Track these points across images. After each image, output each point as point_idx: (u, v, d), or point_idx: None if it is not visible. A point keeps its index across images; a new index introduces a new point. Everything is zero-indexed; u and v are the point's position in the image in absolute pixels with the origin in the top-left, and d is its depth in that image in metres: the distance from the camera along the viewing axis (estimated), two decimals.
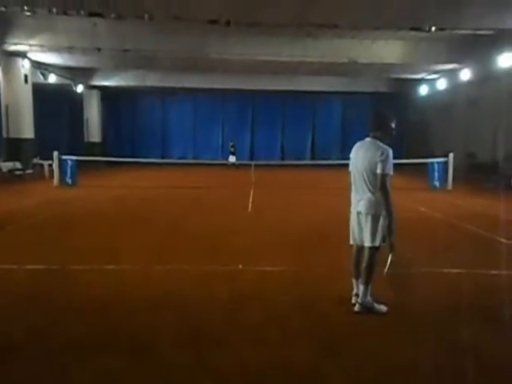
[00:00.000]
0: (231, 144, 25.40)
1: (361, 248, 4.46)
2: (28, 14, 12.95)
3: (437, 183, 15.22)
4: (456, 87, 21.51)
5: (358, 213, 4.36)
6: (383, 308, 4.40)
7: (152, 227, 8.66)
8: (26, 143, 18.38)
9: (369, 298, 4.38)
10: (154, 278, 5.45)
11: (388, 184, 4.17)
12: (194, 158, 27.42)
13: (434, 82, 23.58)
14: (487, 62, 17.24)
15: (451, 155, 15.34)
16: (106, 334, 3.89)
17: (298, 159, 27.09)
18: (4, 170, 16.94)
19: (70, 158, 15.42)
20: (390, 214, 4.15)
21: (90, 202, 12.10)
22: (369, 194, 4.26)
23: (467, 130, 20.92)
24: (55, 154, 15.39)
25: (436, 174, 15.26)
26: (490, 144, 19.22)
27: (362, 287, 4.38)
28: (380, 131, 4.36)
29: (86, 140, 27.01)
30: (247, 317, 4.30)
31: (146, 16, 13.01)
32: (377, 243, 4.27)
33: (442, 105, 23.52)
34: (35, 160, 18.74)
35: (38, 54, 17.90)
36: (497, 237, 7.76)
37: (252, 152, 29.63)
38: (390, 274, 4.25)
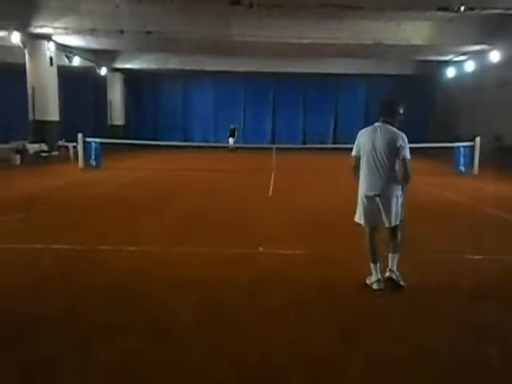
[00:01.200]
0: (232, 127, 24.57)
1: (374, 228, 4.60)
2: None
3: (462, 168, 14.92)
4: (484, 69, 20.88)
5: (377, 195, 4.44)
6: (402, 282, 4.54)
7: (174, 210, 8.75)
8: (51, 125, 18.68)
9: (395, 266, 4.57)
10: (175, 260, 5.51)
11: (409, 166, 4.36)
12: (215, 141, 27.46)
13: (461, 64, 22.95)
14: None
15: (478, 139, 14.99)
16: (127, 315, 3.95)
17: (321, 143, 26.79)
18: (31, 151, 17.29)
19: (94, 141, 15.62)
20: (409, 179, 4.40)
21: (113, 184, 12.27)
22: (391, 178, 4.39)
23: (495, 113, 20.35)
24: (80, 136, 15.60)
25: (462, 158, 14.95)
26: None
27: (391, 256, 4.54)
28: (391, 117, 4.51)
29: (109, 123, 27.29)
30: (267, 300, 4.32)
31: None
32: (401, 218, 4.50)
33: (470, 87, 22.90)
34: (60, 142, 19.07)
35: (63, 36, 18.05)
36: None
37: (273, 135, 29.49)
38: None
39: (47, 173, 14.62)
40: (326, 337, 3.59)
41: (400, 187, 4.44)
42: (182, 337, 3.58)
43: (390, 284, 4.52)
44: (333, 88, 29.36)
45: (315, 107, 29.44)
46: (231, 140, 24.16)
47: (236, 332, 3.68)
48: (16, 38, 16.78)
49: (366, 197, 4.51)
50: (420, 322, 3.93)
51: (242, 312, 4.04)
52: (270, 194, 10.79)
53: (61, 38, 18.45)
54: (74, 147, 17.58)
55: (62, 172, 14.93)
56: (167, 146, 22.16)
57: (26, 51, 18.07)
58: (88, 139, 15.63)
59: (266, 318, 3.95)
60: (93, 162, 15.45)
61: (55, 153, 18.36)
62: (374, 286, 4.52)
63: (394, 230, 4.55)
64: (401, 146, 4.31)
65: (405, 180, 4.39)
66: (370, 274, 4.62)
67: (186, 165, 18.07)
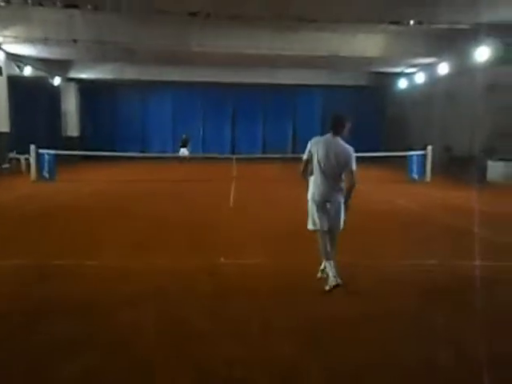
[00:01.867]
0: (184, 137, 24.13)
1: (327, 232, 4.94)
2: (2, 4, 12.65)
3: (415, 176, 15.43)
4: (434, 81, 21.75)
5: (327, 201, 4.87)
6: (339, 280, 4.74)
7: (132, 222, 8.58)
8: (1, 137, 17.95)
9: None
10: (135, 273, 5.40)
11: (355, 176, 4.88)
12: (173, 152, 27.15)
13: (412, 76, 23.82)
14: (464, 56, 17.48)
15: (429, 148, 15.56)
16: (86, 331, 3.84)
17: (280, 152, 27.05)
18: None
19: (47, 152, 15.14)
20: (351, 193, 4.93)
21: (68, 196, 11.92)
22: (338, 186, 4.88)
23: (445, 124, 21.19)
24: (32, 147, 15.09)
25: (415, 166, 15.47)
26: (467, 137, 19.51)
27: (332, 263, 4.80)
28: (340, 130, 4.95)
29: (63, 134, 26.54)
30: (228, 310, 4.30)
31: (124, 7, 12.83)
32: (343, 225, 4.98)
33: (421, 98, 23.78)
34: (11, 154, 18.36)
35: (13, 45, 17.45)
36: (473, 228, 7.90)
37: (233, 145, 29.53)
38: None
39: None
40: (288, 346, 3.60)
41: (344, 195, 4.90)
42: (143, 350, 3.51)
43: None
44: (290, 98, 29.76)
45: (274, 117, 29.75)
46: (183, 150, 23.62)
47: (197, 344, 3.64)
48: None
49: (316, 202, 4.89)
50: (376, 327, 4.01)
51: (203, 323, 4.00)
52: (231, 204, 10.78)
53: (11, 47, 17.83)
54: (26, 159, 16.97)
55: (14, 185, 14.38)
56: (124, 157, 21.76)
57: None
58: (41, 151, 15.14)
59: (227, 328, 3.93)
60: (46, 175, 14.97)
61: (6, 165, 17.66)
62: (333, 282, 4.70)
63: (335, 236, 5.00)
64: (350, 159, 4.79)
65: (351, 188, 4.86)
66: (322, 269, 4.98)
67: (144, 176, 17.80)
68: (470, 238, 7.34)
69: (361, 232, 7.81)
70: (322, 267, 5.00)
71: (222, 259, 5.94)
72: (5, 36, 16.10)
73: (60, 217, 9.05)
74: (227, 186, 13.81)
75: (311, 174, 4.95)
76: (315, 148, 4.87)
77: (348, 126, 4.96)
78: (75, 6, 12.87)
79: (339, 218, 4.91)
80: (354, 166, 4.82)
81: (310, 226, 5.01)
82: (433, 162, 15.73)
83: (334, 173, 4.81)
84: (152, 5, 12.84)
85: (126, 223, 8.43)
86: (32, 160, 15.21)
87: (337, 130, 4.91)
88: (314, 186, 4.91)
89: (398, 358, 3.47)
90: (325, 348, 3.61)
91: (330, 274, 4.75)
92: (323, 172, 4.81)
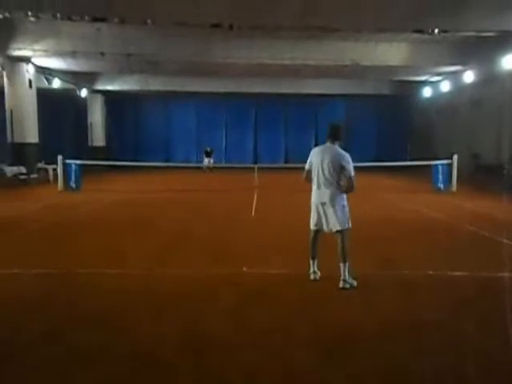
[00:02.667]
0: (208, 149, 25.27)
1: (318, 232, 5.36)
2: (32, 19, 13.04)
3: (441, 185, 15.16)
4: (460, 89, 21.46)
5: (323, 203, 5.20)
6: (354, 282, 5.16)
7: (156, 231, 8.67)
8: (30, 148, 18.46)
9: (347, 273, 5.15)
10: (158, 282, 5.44)
11: (353, 181, 5.15)
12: (197, 162, 27.43)
13: (437, 84, 23.54)
14: (491, 64, 17.20)
15: (455, 157, 15.29)
16: (110, 340, 3.88)
17: (302, 162, 26.90)
18: (9, 174, 17.01)
19: (74, 163, 15.46)
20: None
21: (93, 206, 12.12)
22: (335, 190, 5.15)
23: (471, 132, 20.86)
24: (59, 158, 15.44)
25: (440, 176, 15.20)
26: (494, 145, 19.17)
27: (341, 266, 5.15)
28: (337, 139, 5.34)
29: (89, 144, 27.10)
30: (251, 320, 4.29)
31: (149, 21, 13.08)
32: (345, 226, 5.18)
33: (446, 107, 23.48)
34: (40, 164, 18.81)
35: (42, 58, 17.98)
36: (501, 238, 7.71)
37: (256, 155, 29.63)
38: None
39: (26, 196, 14.39)
40: (311, 357, 3.57)
41: (343, 197, 5.20)
42: (166, 361, 3.52)
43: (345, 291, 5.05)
44: (313, 108, 29.74)
45: (296, 127, 29.75)
46: (207, 160, 24.72)
47: (220, 354, 3.63)
48: None
49: (315, 204, 5.29)
50: (402, 340, 3.94)
51: (227, 333, 4.00)
52: (253, 213, 10.79)
53: (40, 61, 18.38)
54: (54, 169, 17.36)
55: (41, 195, 14.71)
56: (149, 167, 22.07)
57: (4, 74, 17.93)
58: (68, 161, 15.47)
59: (251, 338, 3.92)
60: (73, 185, 15.27)
61: (34, 175, 18.09)
62: (311, 277, 5.35)
63: (339, 237, 5.21)
64: (344, 164, 5.10)
65: (348, 191, 5.18)
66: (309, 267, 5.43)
67: (168, 186, 17.99)
68: (498, 249, 7.18)
69: (386, 242, 7.73)
70: (313, 268, 5.42)
71: (245, 269, 5.94)
72: (35, 50, 16.60)
73: (85, 227, 9.20)
74: (249, 195, 13.83)
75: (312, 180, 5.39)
76: (314, 157, 5.34)
77: (342, 134, 5.39)
78: (102, 20, 13.17)
79: (341, 219, 5.15)
80: (351, 172, 5.12)
81: (311, 226, 5.42)
82: (459, 171, 15.44)
83: (331, 176, 5.13)
84: (175, 18, 13.04)
85: (149, 233, 8.51)
86: (59, 170, 15.56)
87: (333, 138, 5.30)
88: (313, 190, 5.36)
89: (421, 370, 3.40)
90: (347, 359, 3.56)
91: (310, 270, 5.37)
92: (321, 177, 5.20)
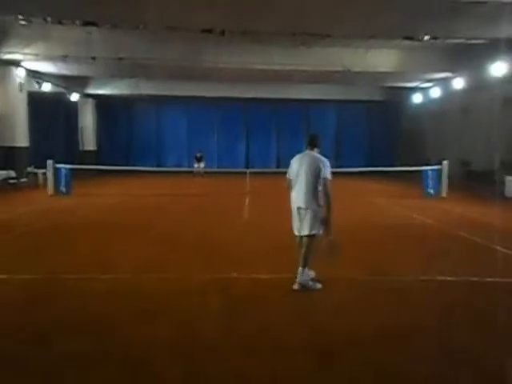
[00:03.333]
0: (198, 155, 25.54)
1: (301, 238, 5.40)
2: (23, 23, 12.97)
3: (431, 191, 15.27)
4: (449, 95, 21.64)
5: (298, 208, 5.33)
6: (318, 285, 5.30)
7: (146, 236, 8.62)
8: (20, 152, 18.29)
9: (305, 276, 5.27)
10: (148, 287, 5.41)
11: (328, 185, 5.28)
12: (188, 166, 27.39)
13: (427, 91, 23.74)
14: (480, 71, 17.37)
15: (445, 163, 15.40)
16: (100, 346, 3.84)
17: None
18: None
19: (64, 167, 15.36)
20: (329, 206, 5.25)
21: (84, 210, 12.04)
22: (312, 194, 5.26)
23: (461, 138, 21.02)
24: (49, 162, 15.32)
25: (430, 181, 15.31)
26: (484, 152, 19.32)
27: (300, 269, 5.25)
28: (317, 147, 5.55)
29: (80, 148, 26.94)
30: (241, 325, 4.28)
31: (141, 25, 13.07)
32: (312, 232, 5.25)
33: (436, 113, 23.66)
34: (29, 169, 18.65)
35: (33, 62, 17.87)
36: (491, 244, 7.77)
37: (247, 160, 29.63)
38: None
39: (15, 200, 14.27)
40: (301, 362, 3.56)
41: (319, 204, 5.25)
42: (156, 366, 3.49)
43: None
44: (304, 113, 29.83)
45: (288, 132, 29.73)
46: (198, 165, 24.98)
47: (210, 359, 3.61)
48: None
49: (293, 209, 5.42)
50: (394, 346, 3.94)
51: (216, 338, 3.98)
52: (245, 217, 10.78)
53: (31, 64, 18.26)
54: (44, 174, 17.23)
55: (31, 199, 14.59)
56: (140, 172, 21.98)
57: None
58: (58, 165, 15.36)
59: (240, 343, 3.90)
60: (63, 189, 15.16)
61: (24, 179, 17.93)
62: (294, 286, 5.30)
63: (305, 241, 5.30)
64: (321, 167, 5.25)
65: (328, 200, 5.22)
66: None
67: (160, 190, 17.93)
68: (488, 254, 7.24)
69: (377, 247, 7.75)
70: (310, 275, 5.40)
71: (235, 274, 5.92)
72: (25, 54, 16.49)
73: (75, 231, 9.14)
74: (241, 200, 13.83)
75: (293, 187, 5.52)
76: (294, 164, 5.50)
77: (319, 144, 5.57)
78: (94, 24, 13.14)
79: (308, 225, 5.25)
80: (327, 175, 5.28)
81: (294, 232, 5.52)
82: (449, 177, 15.56)
83: (308, 181, 5.26)
84: (167, 22, 13.05)
85: (139, 237, 8.47)
86: (49, 174, 15.44)
87: (312, 145, 5.53)
88: (291, 195, 5.50)
89: (413, 375, 3.40)
90: (338, 364, 3.56)
91: (297, 279, 5.27)
92: (300, 181, 5.33)
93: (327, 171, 5.29)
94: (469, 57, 17.02)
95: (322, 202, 5.27)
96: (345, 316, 4.56)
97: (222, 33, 13.37)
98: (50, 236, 8.59)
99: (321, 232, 5.31)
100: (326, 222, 5.26)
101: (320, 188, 5.25)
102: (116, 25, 13.24)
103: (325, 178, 5.24)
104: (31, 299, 4.99)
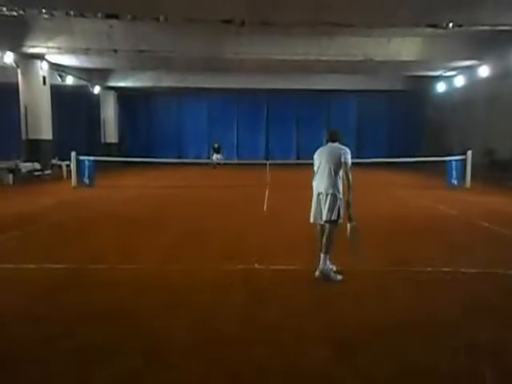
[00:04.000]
0: (216, 145, 25.63)
1: (323, 226, 5.46)
2: (46, 16, 13.16)
3: (455, 181, 15.01)
4: (474, 84, 21.17)
5: (319, 194, 5.42)
6: (339, 277, 5.30)
7: (168, 227, 8.71)
8: (44, 144, 18.65)
9: (327, 265, 5.34)
10: (170, 278, 5.48)
11: (349, 170, 5.41)
12: (208, 158, 27.51)
13: (451, 79, 23.26)
14: (506, 58, 16.94)
15: (469, 153, 15.11)
16: (122, 337, 3.90)
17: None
18: (23, 170, 17.22)
19: (87, 159, 15.60)
20: (350, 189, 5.36)
21: (107, 202, 12.22)
22: (332, 180, 5.34)
23: (486, 127, 20.57)
24: (73, 154, 15.58)
25: (454, 172, 15.05)
26: (509, 141, 18.89)
27: (322, 256, 5.33)
28: (337, 140, 5.61)
29: (103, 141, 27.29)
30: (263, 317, 4.29)
31: (162, 17, 13.10)
32: (332, 218, 5.29)
33: (460, 102, 23.18)
34: (53, 161, 19.03)
35: (56, 56, 18.12)
36: None
37: (267, 151, 29.61)
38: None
39: (40, 192, 14.55)
40: (322, 354, 3.56)
41: (339, 190, 5.33)
42: (179, 357, 3.54)
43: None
44: (325, 104, 29.60)
45: (308, 123, 29.59)
46: (216, 156, 25.09)
47: (231, 351, 3.64)
48: (9, 58, 16.83)
49: (315, 195, 5.50)
50: (416, 338, 3.91)
51: (238, 330, 4.01)
52: (265, 209, 10.79)
53: (54, 58, 18.52)
54: (68, 165, 17.53)
55: (55, 191, 14.87)
56: (161, 163, 22.18)
57: (18, 71, 18.13)
58: (81, 157, 15.61)
59: (261, 335, 3.92)
60: (86, 181, 15.41)
61: (48, 171, 18.30)
62: (316, 273, 5.36)
63: (326, 228, 5.37)
64: (341, 153, 5.37)
65: (347, 180, 5.35)
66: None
67: (181, 182, 18.06)
68: None
69: (400, 238, 7.68)
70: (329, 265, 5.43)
71: (256, 265, 5.95)
72: (48, 47, 16.73)
73: (98, 222, 9.29)
74: (261, 191, 13.83)
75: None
76: (317, 156, 5.61)
77: (340, 139, 5.63)
78: (115, 17, 13.24)
79: (327, 210, 5.30)
80: (348, 160, 5.37)
81: (310, 220, 5.57)
82: (473, 167, 15.27)
83: (329, 168, 5.35)
84: (187, 14, 13.06)
85: (162, 228, 8.56)
86: (73, 166, 15.71)
87: (332, 140, 5.61)
88: (313, 184, 5.58)
89: (435, 367, 3.37)
90: (359, 356, 3.55)
91: (319, 266, 5.33)
92: (322, 169, 5.44)
93: (348, 157, 5.39)
94: (494, 44, 16.59)
95: (341, 188, 5.35)
96: (366, 307, 4.54)
97: (242, 23, 13.30)
98: (75, 227, 8.75)
99: (341, 220, 5.34)
100: (346, 205, 5.33)
101: (341, 174, 5.36)
102: (137, 17, 13.30)
103: (345, 162, 5.35)
104: (56, 289, 5.10)
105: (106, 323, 4.16)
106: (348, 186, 5.37)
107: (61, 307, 4.58)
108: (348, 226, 5.34)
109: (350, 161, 5.42)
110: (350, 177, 5.38)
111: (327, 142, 5.63)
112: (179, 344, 3.75)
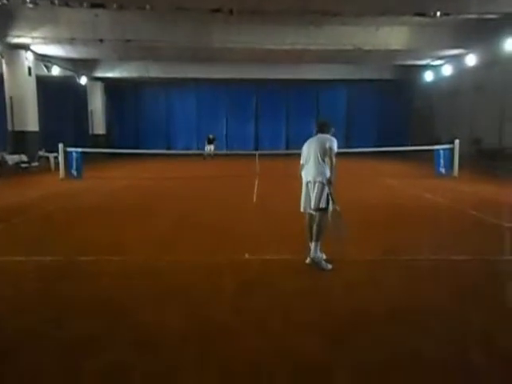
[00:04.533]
0: (211, 136, 25.04)
1: (312, 215, 5.55)
2: (30, 6, 12.95)
3: (443, 170, 15.13)
4: (461, 73, 21.29)
5: (308, 182, 5.52)
6: (329, 266, 5.32)
7: (157, 218, 8.68)
8: (30, 136, 18.44)
9: (318, 254, 5.40)
10: (159, 269, 5.46)
11: (333, 155, 5.49)
12: (198, 149, 27.40)
13: (439, 68, 23.36)
14: (493, 47, 17.04)
15: (457, 142, 15.22)
16: (110, 328, 3.89)
17: None
18: (10, 162, 17.02)
19: (75, 150, 15.43)
20: (332, 171, 5.44)
21: (95, 194, 12.14)
22: (320, 168, 5.43)
23: (473, 116, 20.75)
24: (60, 146, 15.41)
25: (442, 160, 15.16)
26: (496, 129, 19.07)
27: (313, 244, 5.41)
28: (326, 132, 5.70)
29: (90, 132, 27.05)
30: (253, 307, 4.31)
31: (148, 6, 12.96)
32: (320, 205, 5.37)
33: (448, 91, 23.32)
34: (40, 152, 18.81)
35: (41, 46, 17.88)
36: (503, 222, 7.72)
37: (257, 142, 29.58)
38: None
39: (27, 184, 14.41)
40: (315, 343, 3.59)
41: (327, 178, 5.38)
42: (169, 347, 3.55)
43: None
44: (314, 93, 29.59)
45: (297, 113, 29.59)
46: (209, 147, 24.60)
47: (223, 340, 3.65)
48: None
49: (304, 184, 5.60)
50: (407, 326, 3.96)
51: (229, 320, 4.01)
52: (255, 200, 10.79)
53: (39, 48, 18.26)
54: (55, 157, 17.36)
55: (43, 182, 14.72)
56: (150, 155, 22.05)
57: (3, 61, 17.84)
58: (69, 149, 15.45)
59: (253, 324, 3.94)
60: (74, 172, 15.27)
61: (35, 163, 18.10)
62: (306, 260, 5.49)
63: (316, 216, 5.44)
64: (328, 141, 5.49)
65: (330, 163, 5.42)
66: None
67: (170, 173, 17.99)
68: (501, 233, 7.19)
69: (388, 227, 7.74)
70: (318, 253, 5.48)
71: (247, 255, 5.96)
72: (33, 37, 16.49)
73: (86, 214, 9.22)
74: (251, 182, 13.83)
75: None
76: (305, 147, 5.70)
77: (331, 130, 5.74)
78: (101, 6, 13.06)
79: (316, 198, 5.39)
80: (333, 146, 5.48)
81: (301, 209, 5.69)
82: (461, 156, 15.40)
83: (316, 157, 5.44)
84: (174, 2, 12.92)
85: (150, 220, 8.53)
86: (60, 158, 15.55)
87: (321, 131, 5.70)
88: (302, 173, 5.67)
89: (425, 354, 3.41)
90: (351, 345, 3.58)
91: (311, 253, 5.44)
92: (309, 159, 5.53)
93: (334, 144, 5.51)
94: (481, 33, 16.68)
95: (329, 175, 5.40)
96: (356, 296, 4.58)
97: (231, 12, 13.23)
98: (63, 219, 8.69)
99: (331, 207, 5.39)
100: (328, 183, 5.43)
101: (327, 161, 5.45)
102: (123, 6, 13.16)
103: (330, 148, 5.45)
104: (45, 281, 5.06)
105: (94, 315, 4.15)
106: (331, 168, 5.45)
107: (49, 299, 4.55)
108: (329, 207, 5.40)
109: (335, 148, 5.53)
110: (334, 161, 5.48)
111: (317, 133, 5.70)
112: (169, 335, 3.75)
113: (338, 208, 5.39)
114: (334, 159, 5.47)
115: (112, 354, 3.42)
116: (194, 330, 3.84)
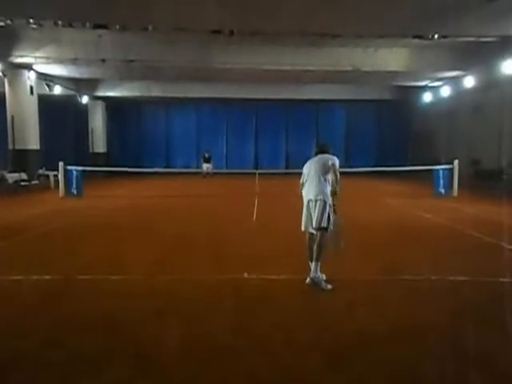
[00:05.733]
0: (206, 155, 25.28)
1: (312, 235, 5.54)
2: (34, 26, 13.09)
3: (442, 190, 15.16)
4: (460, 94, 21.49)
5: (309, 201, 5.51)
6: (329, 286, 5.28)
7: (157, 237, 8.66)
8: (31, 154, 18.49)
9: (319, 274, 5.36)
10: (159, 288, 5.43)
11: (337, 170, 5.53)
12: (197, 168, 27.46)
13: (437, 89, 23.58)
14: (491, 69, 17.23)
15: (456, 162, 15.29)
16: (111, 347, 3.86)
17: (303, 168, 26.89)
18: (10, 181, 17.03)
19: (75, 169, 15.47)
20: (338, 184, 5.50)
21: (95, 212, 12.12)
22: (322, 187, 5.44)
23: (472, 137, 20.86)
24: (60, 164, 15.45)
25: (441, 181, 15.20)
26: (494, 151, 19.16)
27: (313, 263, 5.38)
28: (327, 152, 5.75)
29: (91, 150, 27.15)
30: (252, 326, 4.27)
31: (150, 27, 13.13)
32: (322, 225, 5.35)
33: (446, 112, 23.50)
34: (41, 171, 18.83)
35: (44, 65, 18.05)
36: (502, 243, 7.70)
37: (256, 161, 29.65)
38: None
39: (27, 202, 14.39)
40: (314, 362, 3.55)
41: (327, 196, 5.41)
42: (168, 366, 3.51)
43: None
44: (313, 113, 29.79)
45: (297, 133, 29.75)
46: (206, 166, 24.74)
47: (222, 360, 3.61)
48: None
49: (305, 203, 5.58)
50: (406, 346, 3.92)
51: (228, 339, 3.98)
52: (254, 218, 10.78)
53: (42, 67, 18.44)
54: (55, 176, 17.38)
55: (43, 201, 14.70)
56: (150, 173, 22.09)
57: (5, 80, 18.00)
58: (69, 167, 15.48)
59: (252, 344, 3.90)
60: (74, 191, 15.27)
61: (35, 182, 18.11)
62: (307, 280, 5.43)
63: (317, 236, 5.41)
64: (330, 159, 5.55)
65: (335, 177, 5.48)
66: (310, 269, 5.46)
67: (170, 191, 18.00)
68: (500, 254, 7.16)
69: (388, 247, 7.72)
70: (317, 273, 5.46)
71: (246, 274, 5.92)
72: (36, 57, 16.67)
73: (86, 233, 9.20)
74: (250, 200, 13.83)
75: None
76: (306, 167, 5.74)
77: (331, 152, 5.78)
78: (104, 27, 13.23)
79: (317, 217, 5.37)
80: (336, 163, 5.54)
81: (302, 228, 5.67)
82: (460, 176, 15.44)
83: (318, 176, 5.48)
84: (176, 23, 13.10)
85: (151, 238, 8.51)
86: (60, 176, 15.57)
87: (322, 151, 5.78)
88: (303, 193, 5.67)
89: (427, 375, 3.37)
90: (350, 365, 3.54)
91: (311, 274, 5.39)
92: (311, 178, 5.55)
93: (336, 161, 5.57)
94: (479, 55, 16.88)
95: (330, 193, 5.47)
96: (356, 316, 4.54)
97: (231, 33, 13.38)
98: (62, 237, 8.66)
99: (331, 227, 5.41)
100: (333, 195, 5.50)
101: (329, 178, 5.49)
102: (125, 27, 13.32)
103: (333, 164, 5.50)
104: (44, 300, 5.03)
105: (94, 334, 4.11)
106: (336, 181, 5.50)
107: (49, 318, 4.51)
108: (330, 226, 5.41)
109: (337, 165, 5.57)
110: (338, 174, 5.52)
111: (316, 154, 5.76)
112: (169, 353, 3.71)
113: (341, 220, 5.47)
114: (337, 173, 5.53)
115: (112, 373, 3.38)
116: (193, 348, 3.80)
